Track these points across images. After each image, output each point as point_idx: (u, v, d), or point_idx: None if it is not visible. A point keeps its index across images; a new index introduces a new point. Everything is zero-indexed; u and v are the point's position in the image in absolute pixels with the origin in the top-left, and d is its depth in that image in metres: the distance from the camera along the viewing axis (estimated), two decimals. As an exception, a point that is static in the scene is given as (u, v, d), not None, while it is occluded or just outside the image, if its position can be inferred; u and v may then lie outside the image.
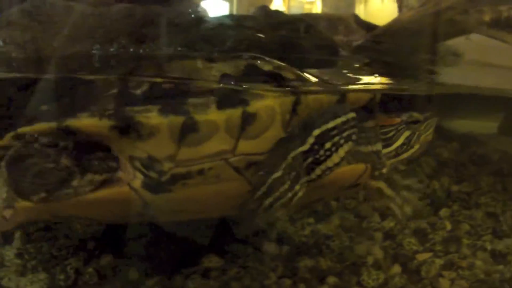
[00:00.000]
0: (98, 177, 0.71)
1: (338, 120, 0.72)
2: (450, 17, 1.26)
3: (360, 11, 1.69)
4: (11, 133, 0.70)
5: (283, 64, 0.80)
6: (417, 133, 0.82)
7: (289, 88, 0.75)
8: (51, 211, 0.73)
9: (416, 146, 0.83)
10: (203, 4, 1.61)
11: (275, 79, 0.75)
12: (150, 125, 0.67)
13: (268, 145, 0.71)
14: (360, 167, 0.78)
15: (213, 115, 0.68)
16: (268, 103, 0.69)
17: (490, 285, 0.92)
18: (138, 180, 0.69)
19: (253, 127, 0.69)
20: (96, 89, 0.78)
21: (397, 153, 0.82)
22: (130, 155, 0.69)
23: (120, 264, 0.92)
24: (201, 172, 0.69)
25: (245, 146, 0.69)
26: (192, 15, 1.19)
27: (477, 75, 1.36)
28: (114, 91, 0.74)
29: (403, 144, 0.81)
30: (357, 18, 1.65)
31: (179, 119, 0.67)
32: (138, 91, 0.72)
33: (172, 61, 0.84)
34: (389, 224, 1.06)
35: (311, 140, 0.72)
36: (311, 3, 1.80)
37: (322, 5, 1.75)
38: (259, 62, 0.79)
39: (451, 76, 1.37)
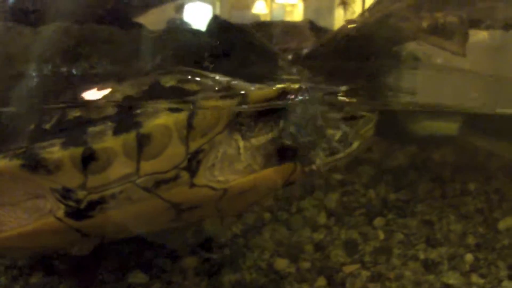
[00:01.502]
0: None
1: None
2: (393, 23, 1.26)
3: (340, 14, 1.68)
4: None
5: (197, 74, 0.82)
6: (354, 128, 0.81)
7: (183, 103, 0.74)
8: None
9: (355, 144, 0.81)
10: (186, 7, 1.63)
11: (177, 94, 0.76)
12: (54, 159, 0.70)
13: (171, 162, 0.72)
14: (289, 166, 0.78)
15: (109, 142, 0.70)
16: (160, 121, 0.70)
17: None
18: (61, 210, 0.73)
19: (150, 147, 0.70)
20: (17, 123, 0.82)
21: (332, 151, 0.80)
22: (50, 187, 0.73)
23: (51, 281, 0.95)
24: (113, 196, 0.72)
25: (148, 166, 0.71)
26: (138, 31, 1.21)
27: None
28: (30, 125, 0.77)
29: (340, 140, 0.80)
30: (312, 25, 1.65)
31: (78, 150, 0.70)
32: (48, 124, 0.76)
33: (84, 86, 0.86)
34: (319, 236, 1.07)
35: None
36: (293, 5, 1.80)
37: (304, 8, 1.75)
38: (166, 77, 0.80)
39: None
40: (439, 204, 1.18)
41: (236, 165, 0.77)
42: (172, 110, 0.71)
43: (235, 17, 1.74)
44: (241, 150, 0.77)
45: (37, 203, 0.76)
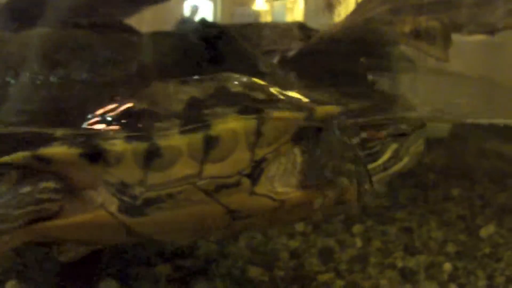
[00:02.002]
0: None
1: None
2: (376, 27, 1.24)
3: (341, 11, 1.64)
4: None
5: (259, 82, 0.80)
6: (405, 144, 0.80)
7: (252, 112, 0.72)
8: (41, 233, 0.76)
9: (406, 159, 0.80)
10: (186, 4, 1.63)
11: (245, 100, 0.74)
12: (116, 152, 0.68)
13: (236, 167, 0.70)
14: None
15: (175, 140, 0.68)
16: (230, 125, 0.69)
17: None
18: (114, 205, 0.71)
19: (216, 150, 0.69)
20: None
21: (385, 167, 0.80)
22: (105, 180, 0.71)
23: (26, 288, 0.96)
24: (171, 196, 0.70)
25: (211, 169, 0.69)
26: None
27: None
28: (93, 109, 0.76)
29: (390, 157, 0.80)
30: (302, 27, 1.64)
31: (142, 146, 0.68)
32: (112, 113, 0.74)
33: (148, 84, 0.84)
34: (295, 243, 1.06)
35: None
36: (294, 2, 1.79)
37: (304, 4, 1.74)
38: (232, 82, 0.78)
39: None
40: (420, 210, 1.17)
41: (293, 179, 0.75)
42: (241, 113, 0.70)
43: (236, 14, 1.73)
44: (299, 165, 0.75)
45: (90, 194, 0.73)
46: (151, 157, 0.68)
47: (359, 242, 1.09)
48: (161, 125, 0.69)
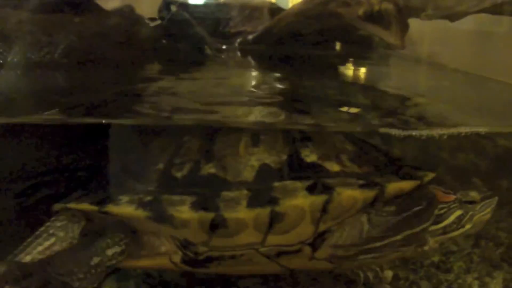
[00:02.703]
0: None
1: None
2: (333, 9, 1.14)
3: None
4: (61, 205, 0.78)
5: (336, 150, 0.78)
6: (470, 213, 0.78)
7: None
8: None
9: (468, 226, 0.79)
10: None
11: (316, 172, 0.74)
12: (181, 219, 0.71)
13: (298, 238, 0.73)
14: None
15: (242, 213, 0.70)
16: (297, 202, 0.70)
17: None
18: (178, 256, 0.75)
19: (282, 224, 0.70)
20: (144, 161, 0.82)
21: (444, 231, 0.79)
22: (171, 235, 0.75)
23: None
24: (233, 257, 0.74)
25: (274, 239, 0.72)
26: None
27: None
28: (158, 164, 0.78)
29: (452, 223, 0.79)
30: (272, 7, 1.54)
31: (208, 216, 0.70)
32: (179, 173, 0.75)
33: (218, 137, 0.81)
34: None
35: None
36: None
37: None
38: (305, 149, 0.77)
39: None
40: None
41: (356, 241, 0.76)
42: (309, 190, 0.71)
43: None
44: (365, 231, 0.76)
45: (153, 241, 0.76)
46: (216, 226, 0.70)
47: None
48: (229, 195, 0.71)
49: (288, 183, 0.72)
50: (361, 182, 0.73)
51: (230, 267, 0.77)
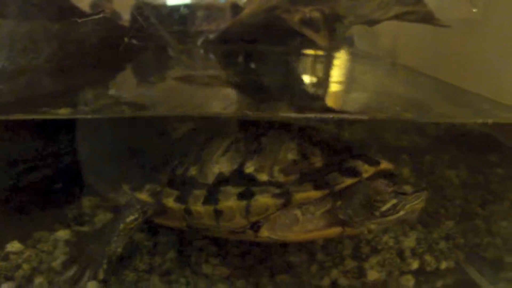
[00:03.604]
0: None
1: None
2: (278, 14, 1.34)
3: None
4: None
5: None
6: (403, 202, 0.97)
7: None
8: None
9: (401, 213, 0.98)
10: None
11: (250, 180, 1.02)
12: (168, 206, 1.04)
13: (239, 225, 1.01)
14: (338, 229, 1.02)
15: (199, 208, 1.01)
16: (228, 204, 0.98)
17: None
18: (184, 222, 1.05)
19: (223, 217, 1.01)
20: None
21: (382, 215, 0.99)
22: None
23: None
24: (208, 229, 1.06)
25: (224, 224, 1.02)
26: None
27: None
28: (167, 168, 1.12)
29: (388, 209, 0.98)
30: (234, 7, 1.72)
31: (182, 206, 1.02)
32: (178, 172, 1.08)
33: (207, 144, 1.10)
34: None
35: None
36: None
37: None
38: (248, 162, 1.03)
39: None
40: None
41: (293, 228, 1.01)
42: (239, 195, 0.99)
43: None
44: (299, 220, 1.01)
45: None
46: (189, 212, 1.02)
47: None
48: (196, 192, 1.02)
49: (228, 188, 1.00)
50: (276, 191, 0.98)
51: (214, 233, 1.07)
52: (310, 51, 1.58)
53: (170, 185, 1.06)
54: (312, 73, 1.46)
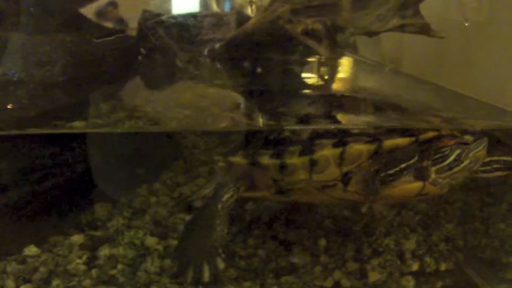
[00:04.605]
0: None
1: None
2: (282, 24, 1.39)
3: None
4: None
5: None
6: (466, 151, 1.02)
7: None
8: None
9: (466, 162, 1.03)
10: None
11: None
12: (263, 164, 1.11)
13: (331, 176, 1.06)
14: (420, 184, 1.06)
15: (295, 160, 1.07)
16: (324, 153, 1.03)
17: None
18: (273, 189, 1.12)
19: (317, 167, 1.05)
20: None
21: (449, 167, 1.04)
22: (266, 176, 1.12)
23: None
24: (299, 189, 1.10)
25: (317, 177, 1.06)
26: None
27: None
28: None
29: (454, 160, 1.03)
30: (239, 16, 1.77)
31: (276, 162, 1.08)
32: (272, 136, 1.14)
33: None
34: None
35: None
36: None
37: None
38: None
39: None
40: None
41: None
42: (333, 145, 1.05)
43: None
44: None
45: (262, 181, 1.14)
46: (283, 168, 1.08)
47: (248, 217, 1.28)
48: (291, 149, 1.07)
49: (323, 140, 1.06)
50: (367, 139, 1.04)
51: (300, 196, 1.12)
52: (314, 59, 1.63)
53: (264, 147, 1.12)
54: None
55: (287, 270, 1.18)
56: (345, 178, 1.04)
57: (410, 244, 1.28)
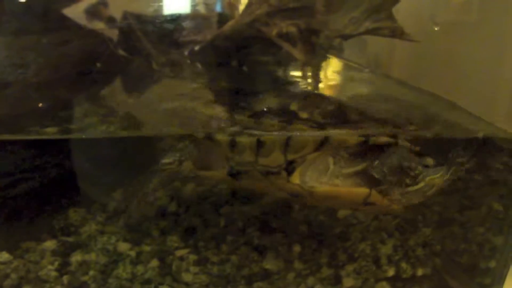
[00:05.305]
0: None
1: None
2: (258, 27, 1.37)
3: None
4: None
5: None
6: (424, 173, 1.01)
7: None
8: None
9: (421, 184, 1.01)
10: None
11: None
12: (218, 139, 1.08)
13: (276, 162, 1.02)
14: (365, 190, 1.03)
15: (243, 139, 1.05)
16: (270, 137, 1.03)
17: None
18: (225, 170, 1.08)
19: (263, 150, 1.02)
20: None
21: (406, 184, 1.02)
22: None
23: None
24: (245, 172, 1.07)
25: (262, 161, 1.03)
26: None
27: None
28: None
29: (412, 177, 1.01)
30: (221, 17, 1.76)
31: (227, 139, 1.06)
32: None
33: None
34: (164, 223, 1.25)
35: None
36: None
37: None
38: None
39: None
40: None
41: (322, 179, 1.03)
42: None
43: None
44: (330, 170, 1.02)
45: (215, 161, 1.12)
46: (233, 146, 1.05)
47: (222, 222, 1.27)
48: None
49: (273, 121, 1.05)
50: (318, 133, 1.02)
51: (250, 182, 1.08)
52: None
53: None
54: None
55: (260, 276, 1.17)
56: (290, 167, 1.02)
57: (386, 249, 1.27)
